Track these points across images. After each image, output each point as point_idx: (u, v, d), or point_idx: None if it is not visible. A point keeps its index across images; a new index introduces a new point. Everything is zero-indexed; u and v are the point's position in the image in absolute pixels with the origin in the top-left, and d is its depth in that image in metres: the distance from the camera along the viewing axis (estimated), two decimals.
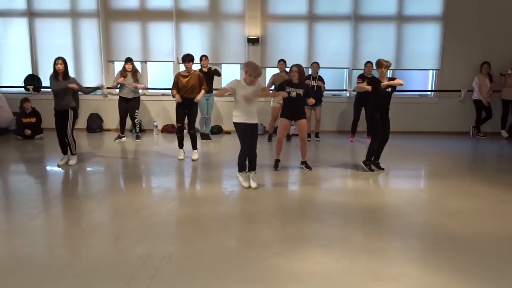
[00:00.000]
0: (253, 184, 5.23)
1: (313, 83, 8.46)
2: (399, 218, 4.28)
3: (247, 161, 5.23)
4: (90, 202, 4.72)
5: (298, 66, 6.00)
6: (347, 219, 4.27)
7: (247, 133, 5.11)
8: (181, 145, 6.79)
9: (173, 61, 9.67)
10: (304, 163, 6.26)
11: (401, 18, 9.61)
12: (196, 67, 7.30)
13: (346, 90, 9.87)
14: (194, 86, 6.52)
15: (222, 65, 9.86)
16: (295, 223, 4.14)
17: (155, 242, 3.62)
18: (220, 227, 4.01)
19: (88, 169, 6.27)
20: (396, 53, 9.69)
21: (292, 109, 6.03)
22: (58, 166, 6.30)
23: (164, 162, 6.70)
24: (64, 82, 6.13)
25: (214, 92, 8.61)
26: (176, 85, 6.55)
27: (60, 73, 6.11)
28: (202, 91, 6.61)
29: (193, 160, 6.73)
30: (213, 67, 8.69)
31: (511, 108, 9.42)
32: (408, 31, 9.65)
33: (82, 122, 9.82)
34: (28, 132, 8.63)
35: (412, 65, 9.80)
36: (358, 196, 5.05)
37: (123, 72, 8.44)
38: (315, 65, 8.62)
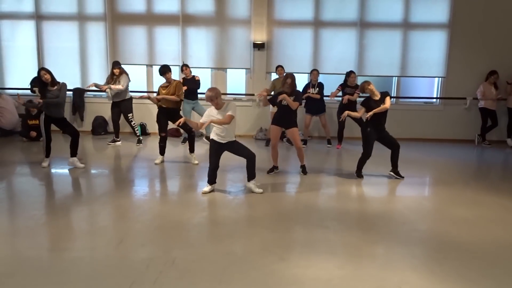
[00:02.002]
0: (258, 190, 5.28)
1: (313, 91, 8.48)
2: (403, 226, 4.26)
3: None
4: (94, 205, 4.73)
5: (291, 75, 6.07)
6: (351, 225, 4.25)
7: (219, 152, 5.21)
8: (162, 153, 6.89)
9: (179, 65, 9.68)
10: (302, 167, 6.30)
11: (407, 25, 9.61)
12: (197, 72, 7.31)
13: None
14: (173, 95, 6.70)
15: (228, 69, 9.88)
16: (299, 229, 4.13)
17: (159, 246, 3.63)
18: (223, 231, 4.01)
19: (93, 172, 6.29)
20: (401, 60, 9.69)
21: (283, 117, 6.07)
22: (43, 167, 6.41)
23: (167, 166, 6.71)
24: (55, 90, 6.23)
25: (199, 96, 8.76)
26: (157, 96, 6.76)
27: (49, 82, 6.21)
28: (172, 97, 6.63)
29: (195, 164, 6.79)
30: (197, 77, 8.66)
31: None
32: (414, 38, 9.64)
33: (87, 125, 9.87)
34: (33, 134, 8.68)
35: (418, 72, 9.78)
36: (363, 203, 5.04)
37: (111, 77, 8.30)
38: (315, 73, 8.62)
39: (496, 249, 3.71)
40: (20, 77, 9.89)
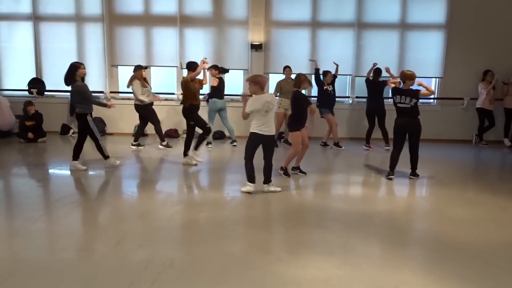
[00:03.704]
0: (277, 189, 5.28)
1: (329, 88, 8.49)
2: (401, 226, 4.27)
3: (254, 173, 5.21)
4: (92, 206, 4.73)
5: (302, 74, 6.09)
6: (349, 226, 4.26)
7: (257, 145, 5.12)
8: (197, 147, 6.75)
9: (176, 66, 9.70)
10: (297, 168, 6.27)
11: (404, 26, 9.63)
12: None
13: (348, 97, 9.89)
14: (198, 91, 6.88)
15: None
16: (297, 229, 4.13)
17: (157, 247, 3.62)
18: (221, 232, 4.01)
19: (91, 173, 6.28)
20: (399, 60, 9.71)
21: (305, 118, 6.04)
22: (115, 165, 6.43)
23: (166, 166, 6.71)
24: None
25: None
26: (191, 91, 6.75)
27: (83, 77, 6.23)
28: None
29: (199, 161, 6.73)
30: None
31: None
32: (411, 39, 9.67)
33: None
34: (31, 135, 8.66)
35: (415, 72, 9.75)
36: (360, 203, 5.05)
37: (144, 81, 8.00)
38: (330, 74, 8.54)
39: (493, 248, 3.72)
40: (18, 78, 9.86)
